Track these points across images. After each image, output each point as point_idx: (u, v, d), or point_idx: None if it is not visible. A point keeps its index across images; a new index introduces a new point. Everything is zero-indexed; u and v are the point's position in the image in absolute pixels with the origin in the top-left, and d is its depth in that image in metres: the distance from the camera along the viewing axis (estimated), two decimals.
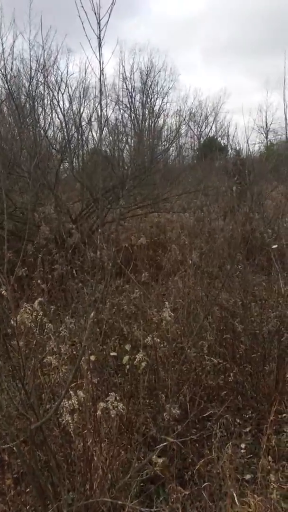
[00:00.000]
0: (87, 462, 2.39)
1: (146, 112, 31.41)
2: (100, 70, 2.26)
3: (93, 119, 9.92)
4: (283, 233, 5.47)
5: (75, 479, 2.39)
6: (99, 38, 2.21)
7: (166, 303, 2.69)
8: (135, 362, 2.51)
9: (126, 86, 32.84)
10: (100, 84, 2.34)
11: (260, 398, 3.53)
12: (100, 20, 2.20)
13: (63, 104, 10.38)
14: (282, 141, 25.26)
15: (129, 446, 2.96)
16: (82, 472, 2.39)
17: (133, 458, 2.70)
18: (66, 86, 10.87)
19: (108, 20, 2.19)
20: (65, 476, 2.39)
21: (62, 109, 10.21)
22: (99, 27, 2.21)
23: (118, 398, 2.39)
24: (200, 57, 53.31)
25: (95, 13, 2.19)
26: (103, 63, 2.26)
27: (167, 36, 49.90)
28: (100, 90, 2.57)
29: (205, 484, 2.71)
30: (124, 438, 2.99)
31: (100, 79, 2.27)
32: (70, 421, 2.04)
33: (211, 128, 37.21)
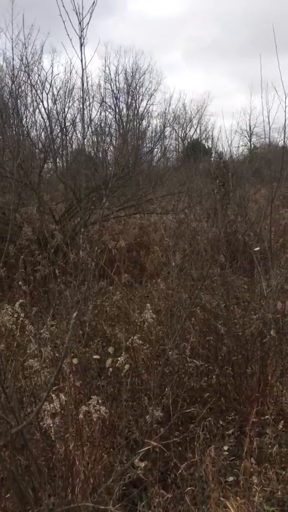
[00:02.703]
0: (69, 466, 2.36)
1: (131, 114, 31.44)
2: (82, 70, 2.24)
3: (77, 119, 9.88)
4: (264, 236, 5.51)
5: (56, 483, 2.36)
6: (81, 38, 2.19)
7: (148, 305, 2.67)
8: (117, 364, 2.49)
9: (111, 87, 32.83)
10: (82, 83, 2.32)
11: (243, 400, 3.54)
12: (82, 20, 2.18)
13: (47, 104, 10.31)
14: (265, 144, 25.52)
15: (111, 450, 2.94)
16: (63, 477, 2.36)
17: (116, 461, 2.68)
18: (50, 86, 10.82)
19: (90, 20, 2.18)
20: (46, 481, 2.35)
21: (47, 109, 10.15)
22: (81, 27, 2.19)
23: (100, 401, 2.37)
24: (182, 58, 53.65)
25: (77, 13, 2.17)
26: (85, 62, 2.24)
27: (147, 37, 50.13)
28: (83, 89, 2.54)
29: (188, 487, 2.70)
30: (107, 441, 2.97)
31: (82, 78, 2.25)
32: (51, 425, 2.00)
33: (195, 130, 37.43)
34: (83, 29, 2.18)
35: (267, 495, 2.67)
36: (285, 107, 4.18)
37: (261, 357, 3.63)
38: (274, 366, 3.79)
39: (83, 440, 2.50)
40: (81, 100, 8.41)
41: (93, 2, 2.40)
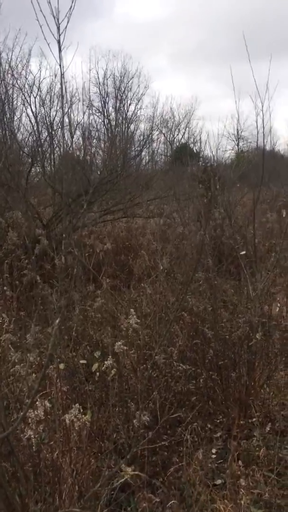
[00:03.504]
0: (56, 472, 2.35)
1: (120, 118, 31.51)
2: (61, 74, 2.25)
3: (65, 123, 9.86)
4: (250, 240, 5.55)
5: (43, 489, 2.35)
6: (58, 42, 2.19)
7: (132, 310, 2.68)
8: (103, 368, 2.49)
9: (100, 91, 32.89)
10: (61, 88, 2.32)
11: (230, 403, 3.56)
12: (59, 25, 2.19)
13: (35, 107, 10.28)
14: (253, 148, 25.73)
15: (99, 454, 2.93)
16: (50, 483, 2.35)
17: (103, 466, 2.67)
18: (38, 90, 10.81)
19: (67, 24, 2.18)
20: (33, 487, 2.34)
21: (34, 113, 10.13)
22: (59, 31, 2.19)
23: (88, 406, 2.37)
24: (167, 62, 53.93)
25: (54, 17, 2.17)
26: (63, 67, 2.24)
27: (133, 40, 50.35)
28: (62, 94, 2.55)
29: (175, 491, 2.71)
30: (95, 446, 2.96)
31: (61, 83, 2.25)
32: (34, 432, 1.99)
33: (183, 134, 37.62)
34: (61, 33, 2.18)
35: (254, 498, 2.68)
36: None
37: (248, 360, 3.65)
38: (261, 369, 3.82)
39: (70, 446, 2.49)
40: (70, 104, 8.42)
41: (71, 6, 2.41)
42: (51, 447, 2.35)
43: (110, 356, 2.38)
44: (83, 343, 3.66)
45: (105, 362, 2.38)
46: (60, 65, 2.27)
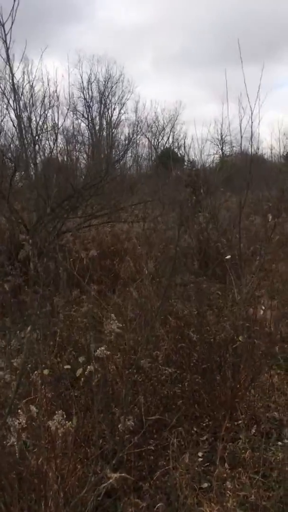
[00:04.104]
0: (41, 479, 2.33)
1: (104, 122, 31.56)
2: (12, 75, 2.23)
3: (49, 128, 9.83)
4: (235, 243, 5.60)
5: (28, 497, 2.32)
6: (5, 42, 2.18)
7: (113, 315, 2.68)
8: (86, 373, 2.48)
9: (84, 95, 32.89)
10: (14, 93, 2.29)
11: (216, 406, 3.57)
12: (4, 24, 2.18)
13: (18, 112, 10.23)
14: (236, 153, 25.98)
15: (85, 460, 2.92)
16: (35, 490, 2.33)
17: (89, 472, 2.66)
18: (22, 94, 10.75)
19: (12, 24, 2.17)
20: (18, 495, 2.31)
21: (18, 117, 10.07)
22: (4, 30, 2.18)
23: (73, 412, 2.35)
24: (151, 67, 54.19)
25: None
26: (12, 68, 2.23)
27: (116, 44, 50.53)
28: (14, 97, 2.52)
29: (162, 495, 2.71)
30: (80, 452, 2.94)
31: (13, 85, 2.23)
32: (18, 439, 1.97)
33: (167, 139, 37.80)
34: (7, 34, 2.17)
35: (240, 500, 2.69)
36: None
37: (233, 363, 3.67)
38: (246, 371, 3.84)
39: (56, 452, 2.47)
40: (56, 109, 8.38)
41: (13, 6, 2.38)
42: (36, 454, 2.33)
43: (93, 361, 2.37)
44: (68, 349, 3.64)
45: (88, 367, 2.37)
46: (9, 66, 2.24)
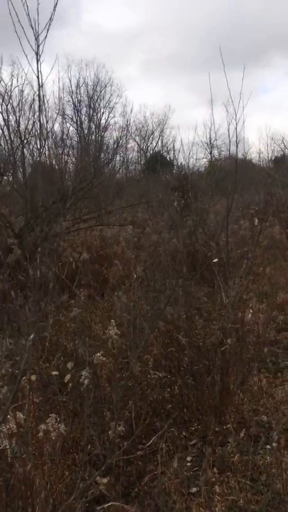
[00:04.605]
0: (29, 485, 2.31)
1: (93, 126, 31.55)
2: (39, 86, 2.23)
3: (37, 132, 9.80)
4: (223, 247, 5.63)
5: (16, 504, 2.30)
6: (37, 54, 2.18)
7: (112, 321, 2.67)
8: (79, 379, 2.46)
9: (73, 100, 32.87)
10: (40, 100, 2.30)
11: (205, 410, 3.57)
12: (38, 36, 2.18)
13: (6, 116, 10.21)
14: (225, 157, 26.09)
15: (73, 466, 2.90)
16: (23, 497, 2.30)
17: (78, 478, 2.64)
18: (9, 98, 10.73)
19: (46, 36, 2.17)
20: (5, 502, 2.29)
21: (6, 121, 10.05)
22: (37, 42, 2.18)
23: (61, 417, 2.34)
24: (140, 71, 54.34)
25: (33, 28, 2.16)
26: (42, 79, 2.22)
27: (103, 48, 50.59)
28: (40, 106, 2.53)
29: (150, 500, 2.69)
30: (68, 458, 2.92)
31: (39, 95, 2.24)
32: (5, 445, 1.96)
33: (157, 143, 37.90)
34: (39, 44, 2.17)
35: (229, 504, 2.69)
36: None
37: (222, 366, 3.68)
38: (235, 374, 3.85)
39: (44, 459, 2.45)
40: (43, 113, 8.35)
41: (50, 17, 2.40)
42: (23, 460, 2.31)
43: (87, 367, 2.36)
44: (56, 354, 3.62)
45: (82, 373, 2.36)
46: (38, 78, 2.24)
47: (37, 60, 2.19)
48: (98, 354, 2.39)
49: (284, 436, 3.31)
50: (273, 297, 6.24)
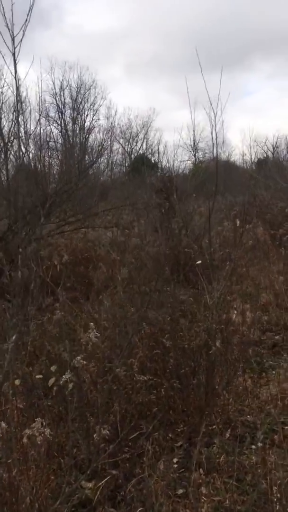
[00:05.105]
0: (13, 491, 2.28)
1: (77, 128, 31.47)
2: (17, 87, 2.21)
3: (21, 134, 9.74)
4: (206, 249, 5.67)
5: (1, 510, 2.27)
6: (14, 54, 2.16)
7: (92, 324, 2.66)
8: (61, 383, 2.45)
9: (56, 101, 32.74)
10: (16, 102, 2.29)
11: (191, 412, 3.58)
12: (14, 37, 2.17)
13: None
14: (209, 159, 26.27)
15: (59, 471, 2.88)
16: (7, 503, 2.28)
17: (63, 483, 2.62)
18: None
19: (22, 38, 2.16)
20: None
21: None
22: (14, 44, 2.17)
23: (46, 422, 2.32)
24: (123, 73, 54.37)
25: (9, 30, 2.15)
26: (19, 79, 2.21)
27: (85, 50, 50.51)
28: (16, 107, 2.52)
29: (137, 503, 2.69)
30: (54, 462, 2.90)
31: (16, 96, 2.22)
32: None
33: (141, 145, 37.97)
34: (16, 46, 2.16)
35: (215, 505, 2.70)
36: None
37: (207, 367, 3.69)
38: (220, 375, 3.87)
39: (29, 464, 2.43)
40: (26, 115, 8.32)
41: (26, 19, 2.39)
42: (8, 466, 2.28)
43: (68, 371, 2.35)
44: (40, 358, 3.59)
45: (63, 377, 2.35)
46: (15, 78, 2.23)
47: (14, 61, 2.18)
48: (78, 357, 2.37)
49: (269, 435, 3.34)
50: (257, 297, 6.29)
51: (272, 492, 2.60)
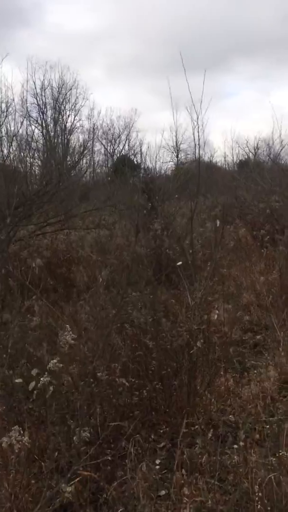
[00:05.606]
0: None
1: (58, 129, 31.28)
2: None
3: (2, 134, 9.66)
4: (187, 250, 5.69)
5: None
6: None
7: (67, 326, 2.64)
8: (39, 386, 2.42)
9: (37, 102, 32.49)
10: None
11: (173, 412, 3.58)
12: None
13: None
14: (191, 160, 26.37)
15: (40, 475, 2.84)
16: None
17: (44, 486, 2.59)
18: None
19: None
20: None
21: None
22: None
23: (26, 426, 2.29)
24: (103, 74, 54.22)
25: None
26: None
27: (66, 50, 50.27)
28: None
29: (119, 506, 2.67)
30: (35, 466, 2.87)
31: None
32: None
33: (124, 146, 37.93)
34: None
35: (197, 506, 2.70)
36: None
37: (189, 368, 3.69)
38: (202, 376, 3.88)
39: (8, 469, 2.40)
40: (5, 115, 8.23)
41: None
42: None
43: (46, 374, 2.32)
44: (20, 361, 3.55)
45: (41, 380, 2.32)
46: None
47: None
48: (54, 361, 2.34)
49: (250, 435, 3.36)
50: (238, 298, 6.33)
51: (254, 491, 2.61)
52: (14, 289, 3.38)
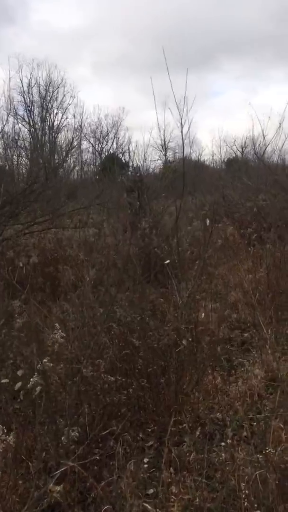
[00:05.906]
0: None
1: (46, 127, 31.12)
2: None
3: None
4: (175, 249, 5.70)
5: None
6: None
7: (57, 324, 2.63)
8: (28, 386, 2.41)
9: (24, 100, 32.27)
10: None
11: (161, 411, 3.58)
12: None
13: None
14: (179, 159, 26.41)
15: (27, 475, 2.83)
16: None
17: (32, 487, 2.58)
18: None
19: None
20: None
21: None
22: None
23: (13, 426, 2.28)
24: (91, 72, 54.04)
25: None
26: None
27: (53, 48, 49.97)
28: None
29: (108, 505, 2.67)
30: (22, 467, 2.85)
31: None
32: None
33: (112, 144, 37.85)
34: None
35: (185, 504, 2.71)
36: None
37: (177, 366, 3.70)
38: (190, 374, 3.89)
39: None
40: None
41: None
42: None
43: (35, 374, 2.31)
44: (7, 361, 3.52)
45: (31, 380, 2.31)
46: None
47: None
48: (45, 360, 2.34)
49: (237, 432, 3.38)
50: (226, 296, 6.36)
51: (241, 488, 2.63)
52: (0, 288, 3.36)
